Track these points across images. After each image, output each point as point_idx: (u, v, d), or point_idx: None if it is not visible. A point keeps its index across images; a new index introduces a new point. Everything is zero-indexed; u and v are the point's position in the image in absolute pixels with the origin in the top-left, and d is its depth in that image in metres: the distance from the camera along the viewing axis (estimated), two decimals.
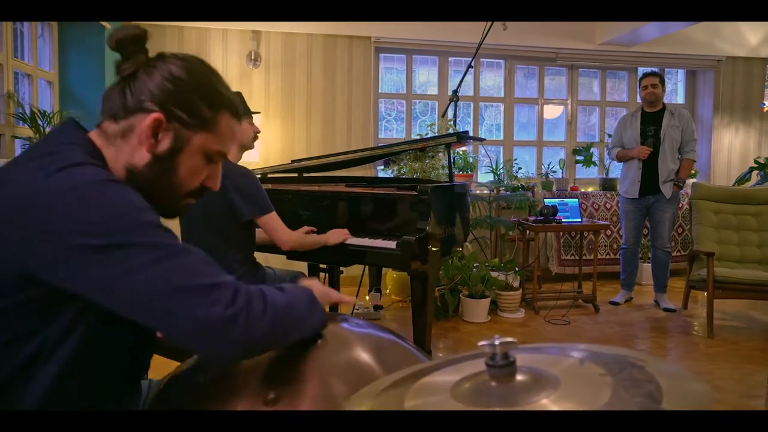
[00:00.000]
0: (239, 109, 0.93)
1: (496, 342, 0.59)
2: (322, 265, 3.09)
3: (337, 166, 3.40)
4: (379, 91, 5.00)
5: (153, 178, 0.86)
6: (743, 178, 5.04)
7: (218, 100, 0.88)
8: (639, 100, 4.11)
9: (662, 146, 3.85)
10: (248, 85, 4.44)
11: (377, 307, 3.70)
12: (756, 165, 5.01)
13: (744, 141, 5.55)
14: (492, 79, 5.32)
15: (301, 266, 3.12)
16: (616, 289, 4.56)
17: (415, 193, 2.45)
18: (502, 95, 5.27)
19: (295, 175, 3.49)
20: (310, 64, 4.57)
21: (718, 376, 2.74)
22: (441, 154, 4.08)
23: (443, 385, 0.65)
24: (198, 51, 4.32)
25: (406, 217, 2.51)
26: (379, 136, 5.03)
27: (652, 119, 3.93)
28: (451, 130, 4.13)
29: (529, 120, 5.40)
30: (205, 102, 0.86)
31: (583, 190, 5.06)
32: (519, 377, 0.60)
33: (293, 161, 3.48)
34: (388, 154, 3.12)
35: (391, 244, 2.36)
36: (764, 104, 5.14)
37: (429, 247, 2.39)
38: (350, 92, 4.66)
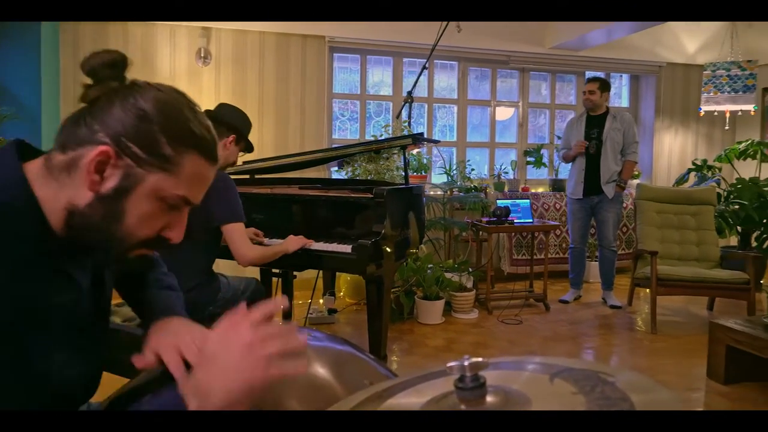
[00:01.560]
0: (213, 150, 0.80)
1: (466, 363, 0.56)
2: (275, 270, 3.02)
3: (290, 168, 3.33)
4: (333, 91, 4.95)
5: (96, 222, 0.74)
6: (682, 179, 5.27)
7: (186, 138, 0.76)
8: None
9: (604, 148, 3.98)
10: (197, 84, 4.30)
11: (331, 311, 3.65)
12: (694, 166, 5.25)
13: (683, 143, 5.81)
14: (446, 81, 5.36)
15: (254, 271, 3.03)
16: (565, 288, 4.68)
17: (370, 195, 2.42)
18: (456, 97, 5.31)
19: (247, 177, 3.40)
20: (263, 63, 4.47)
21: (661, 371, 2.84)
22: (395, 156, 4.07)
23: (410, 408, 0.62)
24: (144, 49, 4.15)
25: (361, 220, 2.48)
26: (333, 137, 4.97)
27: (595, 122, 4.06)
28: (405, 132, 4.14)
29: (482, 121, 5.47)
30: (168, 139, 0.74)
31: (533, 191, 5.17)
32: (489, 398, 0.57)
33: (244, 163, 3.38)
34: (343, 155, 3.08)
35: (346, 248, 2.32)
36: (701, 109, 5.40)
37: (385, 250, 2.37)
38: (303, 92, 4.59)
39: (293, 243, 2.33)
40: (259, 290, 2.35)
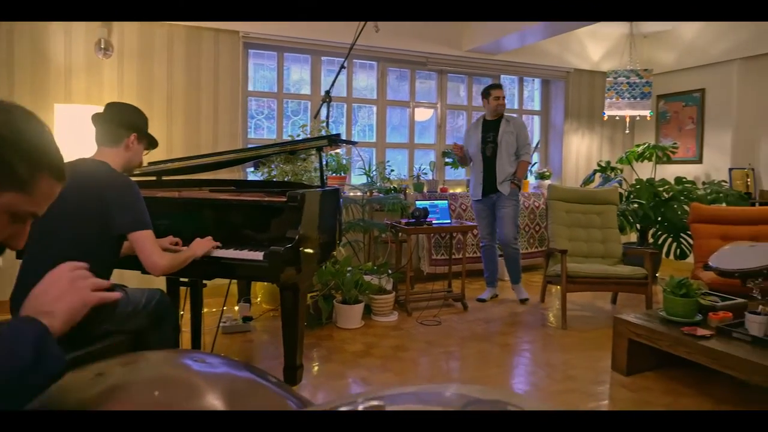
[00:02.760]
0: (63, 170, 0.86)
1: (360, 407, 0.51)
2: (183, 279, 2.84)
3: (201, 169, 3.15)
4: (249, 88, 4.77)
5: None
6: (588, 180, 5.58)
7: (40, 159, 0.81)
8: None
9: (499, 150, 4.19)
10: (98, 77, 3.98)
11: (246, 319, 3.51)
12: (598, 168, 5.57)
13: (589, 145, 6.15)
14: (365, 81, 5.33)
15: (160, 281, 2.84)
16: (483, 286, 4.81)
17: (284, 199, 2.33)
18: (375, 97, 5.30)
19: (153, 179, 3.18)
20: (171, 57, 4.22)
21: (571, 366, 2.96)
22: (313, 156, 3.99)
23: None
24: (34, 38, 3.78)
25: (275, 225, 2.38)
26: (249, 136, 4.79)
27: (491, 127, 4.26)
28: (323, 132, 4.06)
29: (402, 122, 5.49)
30: (23, 161, 0.78)
31: (452, 192, 5.26)
32: None
33: (150, 164, 3.15)
34: (256, 156, 2.95)
35: (258, 255, 2.21)
36: (604, 113, 5.73)
37: (301, 255, 2.29)
38: (217, 89, 4.38)
39: (200, 246, 2.20)
40: (164, 302, 2.19)
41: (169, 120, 4.22)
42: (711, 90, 5.60)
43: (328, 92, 4.21)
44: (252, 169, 4.26)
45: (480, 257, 5.05)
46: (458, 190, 5.39)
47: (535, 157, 6.01)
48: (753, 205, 5.04)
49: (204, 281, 2.82)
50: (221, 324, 3.45)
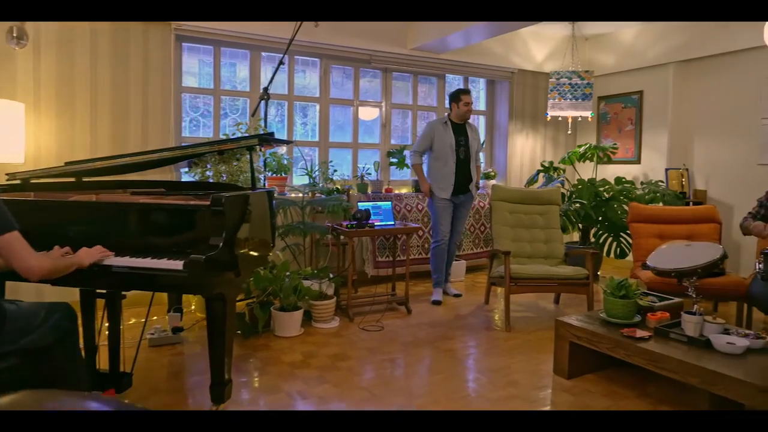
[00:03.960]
0: None
1: None
2: (99, 291, 2.60)
3: (123, 170, 2.90)
4: (183, 84, 4.51)
5: None
6: (532, 180, 5.61)
7: None
8: (447, 105, 4.32)
9: (470, 155, 4.31)
10: (10, 69, 3.64)
11: (177, 329, 3.29)
12: (542, 168, 5.61)
13: (533, 146, 6.19)
14: (309, 79, 5.15)
15: (73, 292, 2.59)
16: (428, 288, 4.73)
17: (207, 203, 2.15)
18: (318, 95, 5.13)
19: (73, 180, 2.92)
20: (95, 48, 3.92)
21: (514, 370, 2.91)
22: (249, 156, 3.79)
23: None
24: None
25: (198, 231, 2.19)
26: (184, 135, 4.54)
27: (460, 131, 4.33)
28: (261, 130, 3.87)
29: (346, 121, 5.35)
30: None
31: (397, 192, 5.17)
32: None
33: (67, 163, 2.89)
34: (181, 157, 2.73)
35: (177, 265, 2.02)
36: (547, 114, 5.78)
37: (225, 264, 2.11)
38: (146, 84, 4.11)
39: (87, 255, 2.00)
40: (70, 315, 1.98)
41: (93, 117, 3.92)
42: (648, 92, 5.74)
43: (266, 89, 4.02)
44: (186, 169, 4.02)
45: (426, 258, 5.00)
46: (403, 191, 5.31)
47: (482, 157, 6.00)
48: (688, 204, 5.19)
49: (123, 292, 2.59)
50: (149, 336, 3.22)
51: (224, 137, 4.16)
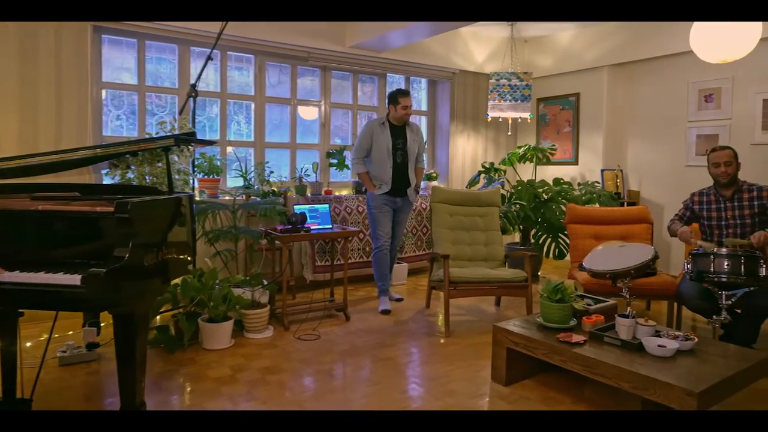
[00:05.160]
0: None
1: None
2: None
3: (31, 172, 2.62)
4: (104, 80, 4.20)
5: None
6: (473, 181, 5.59)
7: None
8: (387, 106, 4.15)
9: (408, 158, 4.13)
10: None
11: (92, 345, 3.02)
12: (482, 169, 5.60)
13: (474, 146, 6.19)
14: (245, 76, 4.92)
15: None
16: (369, 293, 4.62)
17: (111, 209, 1.94)
18: (253, 93, 4.92)
19: None
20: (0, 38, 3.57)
21: (453, 378, 2.83)
22: (176, 157, 3.56)
23: None
24: None
25: (102, 241, 1.97)
26: (105, 134, 4.23)
27: (399, 133, 4.14)
28: (186, 129, 3.64)
29: (284, 120, 5.16)
30: None
31: (337, 194, 5.02)
32: None
33: None
34: (82, 159, 2.47)
35: (74, 279, 1.80)
36: (488, 115, 5.79)
37: (132, 278, 1.91)
38: (59, 78, 3.79)
39: None
40: None
41: None
42: (585, 94, 5.85)
43: (193, 86, 3.81)
44: (107, 170, 3.73)
45: (367, 262, 4.88)
46: (344, 192, 5.17)
47: (425, 159, 5.94)
48: (622, 204, 5.31)
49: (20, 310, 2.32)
50: (59, 354, 2.94)
51: (147, 136, 3.90)
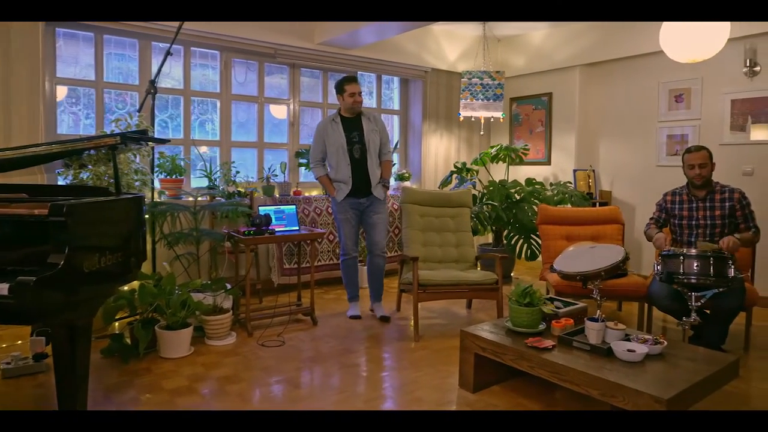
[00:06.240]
0: None
1: None
2: None
3: None
4: (57, 75, 4.00)
5: None
6: (446, 181, 5.52)
7: None
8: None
9: (368, 152, 3.79)
10: None
11: (39, 356, 2.84)
12: (455, 169, 5.53)
13: (447, 146, 6.12)
14: (211, 73, 4.76)
15: None
16: (339, 296, 4.51)
17: (45, 212, 1.79)
18: (219, 90, 4.76)
19: None
20: None
21: (420, 386, 2.74)
22: (134, 156, 3.40)
23: None
24: None
25: (38, 247, 1.83)
26: (60, 132, 4.03)
27: (353, 125, 3.80)
28: (144, 127, 3.48)
29: (251, 119, 5.01)
30: None
31: (306, 195, 4.90)
32: None
33: None
34: (31, 158, 2.32)
35: (2, 289, 1.66)
36: (460, 114, 5.72)
37: (69, 287, 1.77)
38: (8, 73, 3.59)
39: None
40: None
41: None
42: (557, 94, 5.82)
43: (152, 82, 3.66)
44: (61, 170, 3.54)
45: (336, 264, 4.75)
46: (314, 193, 5.04)
47: (395, 158, 5.85)
48: (594, 204, 5.30)
49: None
50: (4, 366, 2.77)
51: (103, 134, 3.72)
